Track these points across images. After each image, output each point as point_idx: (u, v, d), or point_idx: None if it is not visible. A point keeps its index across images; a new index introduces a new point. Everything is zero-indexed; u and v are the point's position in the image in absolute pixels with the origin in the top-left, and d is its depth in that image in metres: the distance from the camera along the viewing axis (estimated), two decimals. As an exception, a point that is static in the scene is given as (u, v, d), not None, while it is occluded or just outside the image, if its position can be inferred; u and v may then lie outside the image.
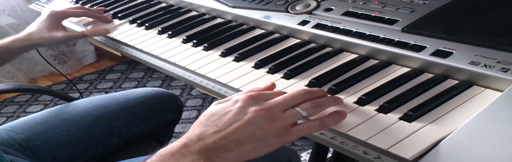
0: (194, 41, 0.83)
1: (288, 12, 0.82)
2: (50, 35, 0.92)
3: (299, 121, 0.52)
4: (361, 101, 0.58)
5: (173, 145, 0.49)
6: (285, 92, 0.54)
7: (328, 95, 0.56)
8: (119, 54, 0.94)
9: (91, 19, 1.05)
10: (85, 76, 2.36)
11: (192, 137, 0.48)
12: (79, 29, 1.05)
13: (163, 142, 1.11)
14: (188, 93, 2.07)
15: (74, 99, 1.03)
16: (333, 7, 0.78)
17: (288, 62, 0.71)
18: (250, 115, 0.48)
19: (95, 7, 1.11)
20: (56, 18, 0.94)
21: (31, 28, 0.94)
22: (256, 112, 0.48)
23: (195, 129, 0.49)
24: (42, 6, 1.24)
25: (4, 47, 0.90)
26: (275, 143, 0.49)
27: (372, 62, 0.68)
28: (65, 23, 1.08)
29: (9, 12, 2.19)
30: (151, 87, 2.15)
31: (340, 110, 0.54)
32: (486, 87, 0.57)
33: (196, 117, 1.88)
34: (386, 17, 0.71)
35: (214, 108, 0.51)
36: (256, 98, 0.50)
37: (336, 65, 0.68)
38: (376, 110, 0.56)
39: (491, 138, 0.46)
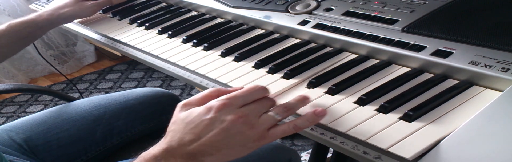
0: (194, 41, 0.83)
1: (288, 12, 0.82)
2: (79, 4, 0.96)
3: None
4: (361, 101, 0.58)
5: (155, 149, 0.50)
6: (257, 91, 0.53)
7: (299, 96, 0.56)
8: (119, 54, 0.95)
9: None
10: (85, 76, 2.36)
11: (172, 143, 0.50)
12: (79, 28, 1.05)
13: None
14: (188, 93, 2.07)
15: (74, 99, 1.03)
16: (333, 7, 0.78)
17: (288, 62, 0.71)
18: (227, 124, 0.49)
19: None
20: None
21: (57, 3, 0.96)
22: (233, 121, 0.49)
23: (174, 135, 0.50)
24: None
25: (31, 21, 0.91)
26: (254, 147, 0.51)
27: (372, 62, 0.68)
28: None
29: (9, 12, 2.19)
30: (151, 87, 2.15)
31: (317, 110, 0.53)
32: (486, 87, 0.57)
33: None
34: (386, 17, 0.71)
35: (189, 114, 0.51)
36: (229, 106, 0.50)
37: (336, 65, 0.68)
38: (376, 110, 0.56)
39: (491, 138, 0.46)
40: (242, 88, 0.54)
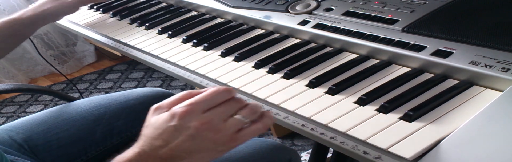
0: (194, 41, 0.83)
1: (288, 12, 0.82)
2: (62, 1, 0.94)
3: None
4: (361, 101, 0.58)
5: (129, 153, 0.51)
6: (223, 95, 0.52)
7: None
8: (119, 54, 0.95)
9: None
10: (85, 76, 2.36)
11: (144, 147, 0.50)
12: (79, 29, 1.05)
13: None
14: (188, 93, 2.07)
15: (74, 99, 1.03)
16: (333, 7, 0.78)
17: (288, 62, 0.71)
18: (192, 131, 0.49)
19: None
20: None
21: (40, 1, 0.95)
22: (197, 127, 0.49)
23: (145, 139, 0.51)
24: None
25: (15, 19, 0.90)
26: (226, 149, 0.51)
27: (372, 62, 0.68)
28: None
29: (9, 12, 2.19)
30: (151, 87, 2.15)
31: (265, 110, 0.54)
32: (486, 87, 0.57)
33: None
34: (386, 17, 0.71)
35: (157, 119, 0.51)
36: (191, 112, 0.49)
37: (336, 65, 0.68)
38: (376, 110, 0.56)
39: (491, 138, 0.46)
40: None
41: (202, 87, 0.73)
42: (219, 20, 0.93)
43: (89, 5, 1.13)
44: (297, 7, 0.81)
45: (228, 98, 0.51)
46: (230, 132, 0.50)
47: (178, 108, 0.50)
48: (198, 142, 0.49)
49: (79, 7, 1.00)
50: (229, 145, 0.50)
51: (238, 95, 0.66)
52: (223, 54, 0.78)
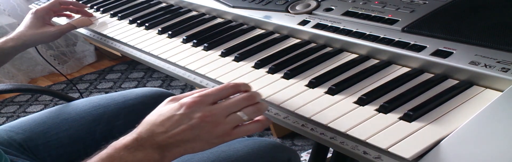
0: (194, 41, 0.83)
1: (288, 12, 0.82)
2: (42, 31, 0.94)
3: None
4: (361, 101, 0.58)
5: (126, 138, 0.53)
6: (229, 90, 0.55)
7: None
8: (119, 54, 0.94)
9: (77, 16, 1.07)
10: (85, 76, 2.36)
11: (142, 133, 0.53)
12: (79, 29, 1.05)
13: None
14: (188, 93, 2.07)
15: (74, 99, 1.03)
16: (333, 7, 0.78)
17: (288, 62, 0.71)
18: (194, 121, 0.52)
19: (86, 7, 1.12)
20: (41, 14, 0.96)
21: (21, 27, 0.94)
22: (200, 119, 0.52)
23: (146, 125, 0.53)
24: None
25: None
26: (217, 143, 0.54)
27: (372, 62, 0.68)
28: (61, 22, 1.09)
29: (9, 12, 2.19)
30: (151, 87, 2.15)
31: (265, 116, 0.58)
32: (486, 87, 0.57)
33: (196, 117, 1.87)
34: (386, 17, 0.71)
35: (163, 109, 0.54)
36: (200, 103, 0.53)
37: (336, 65, 0.68)
38: (376, 110, 0.56)
39: (491, 138, 0.46)
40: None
41: (203, 87, 0.73)
42: (219, 20, 0.93)
43: (89, 5, 1.13)
44: (297, 7, 0.81)
45: (234, 92, 0.55)
46: (227, 127, 0.53)
47: (187, 98, 0.53)
48: (196, 132, 0.52)
49: (61, 36, 0.99)
50: (223, 138, 0.54)
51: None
52: (223, 54, 0.78)
